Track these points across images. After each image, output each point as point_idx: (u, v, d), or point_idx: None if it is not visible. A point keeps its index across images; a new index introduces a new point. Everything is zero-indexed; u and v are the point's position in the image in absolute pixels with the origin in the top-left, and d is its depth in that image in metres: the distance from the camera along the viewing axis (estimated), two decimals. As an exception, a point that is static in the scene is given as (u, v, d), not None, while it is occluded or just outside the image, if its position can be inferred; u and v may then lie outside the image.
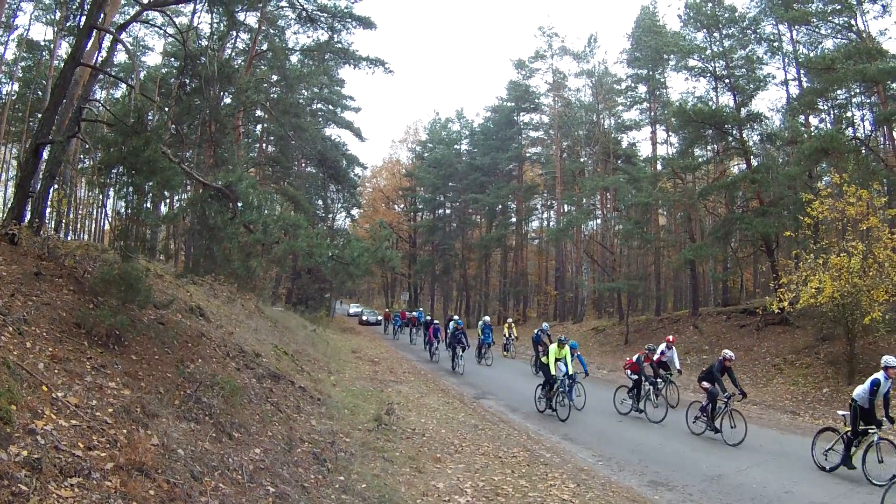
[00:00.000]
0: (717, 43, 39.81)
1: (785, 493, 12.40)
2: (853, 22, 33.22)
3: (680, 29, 42.97)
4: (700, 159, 43.39)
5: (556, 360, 20.13)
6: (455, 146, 69.34)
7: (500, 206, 64.70)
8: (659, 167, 46.31)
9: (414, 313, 53.39)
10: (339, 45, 44.59)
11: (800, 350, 28.29)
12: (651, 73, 46.54)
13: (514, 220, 66.77)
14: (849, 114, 35.91)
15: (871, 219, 24.26)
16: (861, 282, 23.19)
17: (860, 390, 13.54)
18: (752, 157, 39.38)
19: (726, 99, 40.22)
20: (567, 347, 20.20)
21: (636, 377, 20.82)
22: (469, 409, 20.57)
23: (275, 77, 43.27)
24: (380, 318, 65.14)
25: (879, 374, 13.26)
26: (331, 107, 59.43)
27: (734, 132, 38.89)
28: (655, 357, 21.29)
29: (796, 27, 36.87)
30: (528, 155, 64.58)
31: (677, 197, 41.84)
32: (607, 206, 52.86)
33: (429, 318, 43.55)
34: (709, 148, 43.73)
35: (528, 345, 37.62)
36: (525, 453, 14.85)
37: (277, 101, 43.45)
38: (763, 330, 32.22)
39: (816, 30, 35.95)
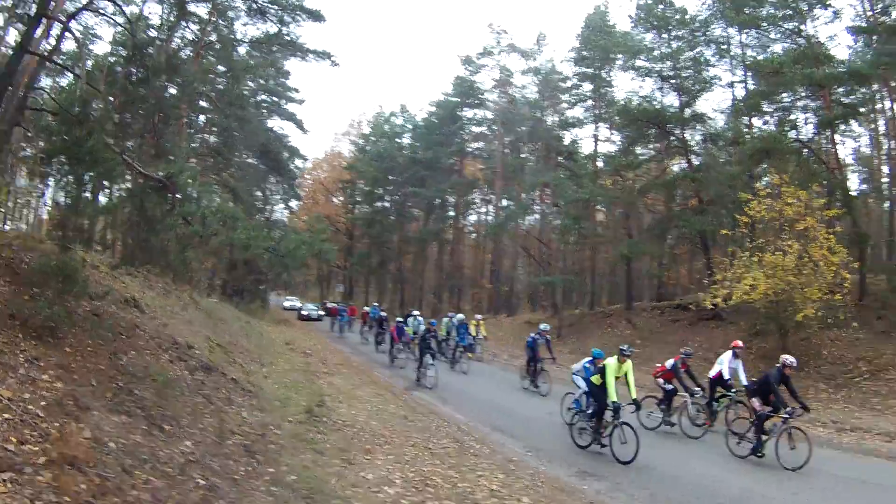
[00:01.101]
0: (666, 44, 39.96)
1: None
2: (803, 27, 33.17)
3: (630, 29, 42.90)
4: (641, 157, 43.29)
5: (615, 378, 15.03)
6: (397, 140, 68.68)
7: (439, 200, 64.04)
8: (600, 164, 46.00)
9: (366, 308, 46.82)
10: (288, 38, 43.99)
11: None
12: (598, 72, 46.04)
13: (452, 213, 66.31)
14: (793, 116, 35.55)
15: (808, 219, 24.60)
16: (795, 280, 23.61)
17: None
18: (693, 156, 39.65)
19: (671, 99, 40.53)
20: (629, 363, 15.27)
21: (670, 387, 18.13)
22: (400, 401, 20.16)
23: (221, 68, 42.57)
24: (322, 312, 60.31)
25: None
26: (275, 98, 58.34)
27: (677, 132, 39.32)
28: (716, 371, 17.62)
29: (746, 31, 36.72)
30: (469, 150, 64.06)
31: (617, 194, 41.74)
32: (546, 201, 52.39)
33: (384, 313, 38.30)
34: (651, 146, 43.36)
35: (503, 347, 36.33)
36: (455, 444, 14.73)
37: (223, 93, 42.76)
38: (696, 325, 32.58)
39: (766, 34, 35.77)
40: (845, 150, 40.57)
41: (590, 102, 47.86)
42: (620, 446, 14.19)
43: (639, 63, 41.43)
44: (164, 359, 13.60)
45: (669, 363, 18.46)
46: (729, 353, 17.62)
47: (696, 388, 17.58)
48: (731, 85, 38.99)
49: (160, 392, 10.84)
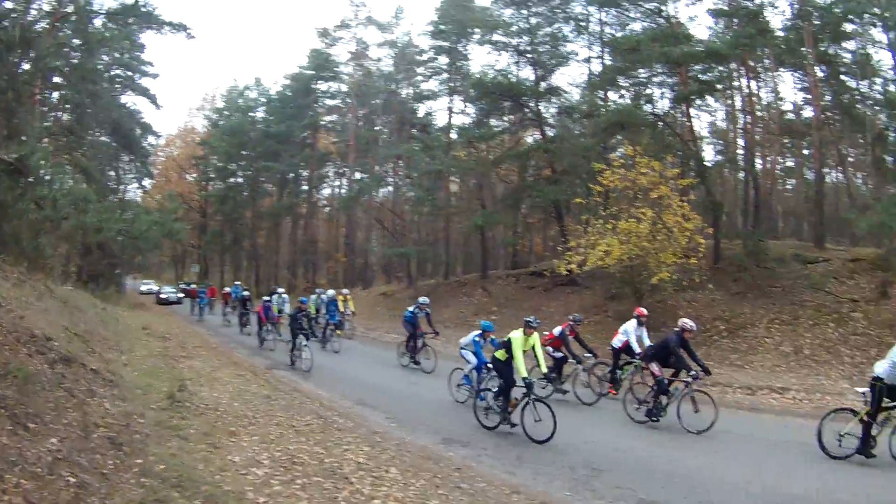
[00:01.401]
0: (525, 20, 39.15)
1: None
2: (664, 8, 33.39)
3: (490, 4, 41.99)
4: (495, 129, 42.61)
5: (523, 352, 13.75)
6: (251, 114, 65.89)
7: (293, 175, 62.07)
8: (454, 136, 44.98)
9: (227, 289, 43.22)
10: (145, 9, 41.29)
11: (588, 308, 28.70)
12: (455, 45, 45.08)
13: (305, 188, 64.21)
14: (648, 91, 36.02)
15: (662, 188, 24.87)
16: (650, 245, 23.94)
17: (887, 366, 11.29)
18: (547, 128, 39.47)
19: (527, 73, 39.97)
20: (536, 336, 13.89)
21: (559, 355, 16.99)
22: (261, 380, 19.24)
23: (76, 41, 39.82)
24: (181, 295, 56.59)
25: None
26: (129, 73, 54.89)
27: (532, 104, 38.89)
28: (623, 342, 16.93)
29: (605, 9, 36.63)
30: (323, 123, 61.81)
31: (470, 165, 40.94)
32: (400, 173, 51.67)
33: (246, 293, 34.88)
34: (505, 119, 42.85)
35: (361, 321, 33.72)
36: (319, 420, 14.24)
37: (76, 67, 39.86)
38: (552, 291, 32.73)
39: (626, 13, 35.81)
40: (701, 124, 42.80)
41: (445, 75, 46.90)
42: (534, 425, 12.92)
43: (496, 37, 40.42)
44: (23, 353, 11.74)
45: (557, 331, 17.34)
46: (633, 322, 17.03)
47: (588, 354, 17.03)
48: (587, 60, 38.82)
49: (21, 389, 9.46)
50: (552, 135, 38.85)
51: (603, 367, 17.64)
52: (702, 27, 52.27)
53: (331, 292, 29.11)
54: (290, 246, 64.89)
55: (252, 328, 30.27)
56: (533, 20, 38.99)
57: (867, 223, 23.52)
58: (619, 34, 35.78)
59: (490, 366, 14.68)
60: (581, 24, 38.16)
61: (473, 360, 15.82)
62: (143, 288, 64.08)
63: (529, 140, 43.36)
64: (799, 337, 22.18)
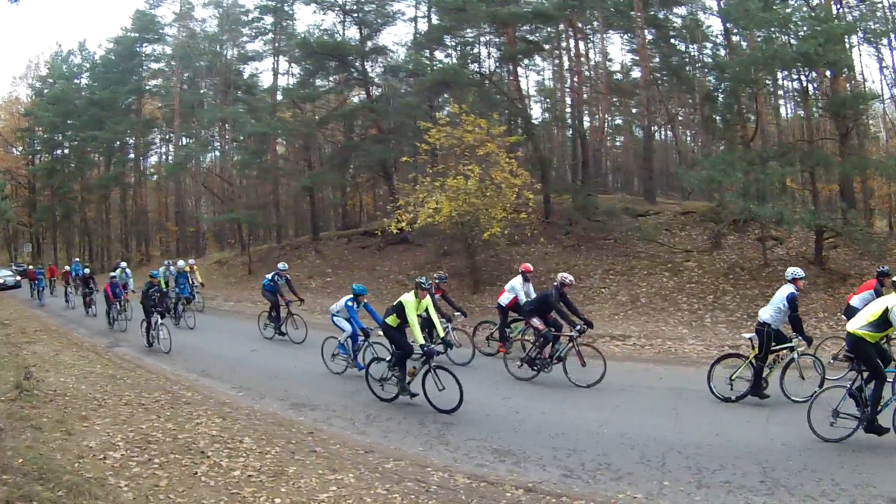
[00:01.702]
0: (351, -22, 37.74)
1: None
2: None
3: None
4: (321, 89, 41.72)
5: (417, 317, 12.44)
6: (76, 80, 60.62)
7: (119, 143, 57.43)
8: (279, 97, 43.74)
9: (67, 267, 37.72)
10: (-40, -29, 37.13)
11: (422, 266, 28.62)
12: (280, 4, 43.05)
13: (132, 156, 59.92)
14: (475, 51, 36.13)
15: (489, 145, 24.24)
16: (479, 202, 23.40)
17: (772, 311, 11.37)
18: (373, 87, 38.71)
19: (353, 32, 38.69)
20: (428, 298, 12.68)
21: (425, 315, 14.91)
22: (105, 360, 17.95)
23: None
24: (19, 278, 50.02)
25: (790, 288, 11.34)
26: (-49, 43, 50.48)
27: (357, 64, 37.82)
28: (510, 299, 15.84)
29: (433, -33, 35.83)
30: (148, 88, 57.59)
31: (296, 126, 39.76)
32: (226, 137, 49.58)
33: (87, 270, 31.02)
34: (331, 79, 41.55)
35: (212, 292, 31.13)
36: (167, 396, 13.59)
37: None
38: (384, 250, 32.27)
39: (453, -29, 35.39)
40: (528, 83, 42.10)
41: (270, 36, 44.95)
42: (438, 394, 11.59)
43: (322, -4, 39.07)
44: None
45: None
46: (519, 278, 15.93)
47: (457, 313, 16.22)
48: (413, 20, 37.85)
49: None
50: (378, 94, 38.23)
51: (489, 325, 16.79)
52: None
53: (181, 263, 26.21)
54: (120, 218, 61.07)
55: (98, 308, 27.12)
56: (359, -21, 37.53)
57: (697, 178, 23.57)
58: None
59: (367, 332, 14.20)
60: (405, -17, 36.93)
61: (348, 327, 14.61)
62: None
63: (355, 100, 42.46)
64: (634, 287, 22.18)
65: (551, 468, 8.99)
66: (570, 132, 35.34)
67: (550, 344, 13.35)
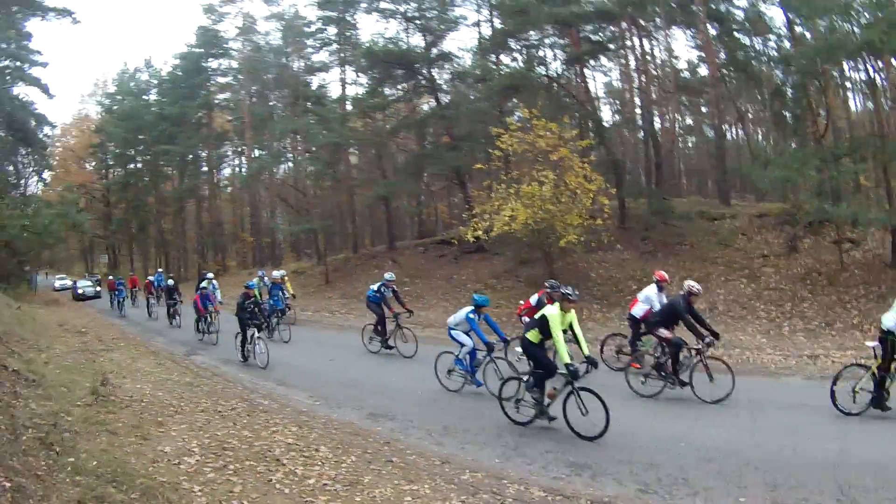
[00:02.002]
0: (410, -14, 38.23)
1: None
2: None
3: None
4: (390, 98, 41.83)
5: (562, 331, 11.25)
6: (144, 97, 62.76)
7: (191, 156, 59.57)
8: (349, 107, 44.24)
9: (149, 278, 37.45)
10: (26, -4, 39.11)
11: (500, 274, 28.93)
12: (342, 15, 43.61)
13: (205, 169, 61.91)
14: (541, 53, 35.63)
15: (561, 150, 24.06)
16: (554, 208, 23.23)
17: (895, 318, 10.84)
18: (441, 94, 38.75)
19: (417, 39, 39.02)
20: (573, 311, 11.34)
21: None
22: (182, 368, 18.55)
23: None
24: (99, 288, 49.72)
25: None
26: (18, 63, 52.27)
27: (424, 71, 38.06)
28: (645, 310, 15.06)
29: (489, -30, 35.71)
30: (216, 101, 59.55)
31: (367, 135, 40.48)
32: (298, 148, 50.37)
33: (171, 281, 30.34)
34: (399, 87, 41.76)
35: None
36: (244, 404, 13.90)
37: None
38: (462, 259, 32.35)
39: (510, -27, 35.32)
40: (596, 85, 42.61)
41: (335, 46, 45.58)
42: (581, 419, 10.66)
43: (383, 5, 39.52)
44: None
45: (534, 299, 15.72)
46: (653, 287, 15.44)
47: None
48: (477, 24, 38.02)
49: None
50: (447, 101, 38.18)
51: (620, 338, 16.38)
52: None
53: (276, 273, 26.03)
54: (196, 229, 62.81)
55: (182, 319, 27.36)
56: (417, -15, 37.98)
57: (769, 177, 23.47)
58: (506, -3, 34.97)
59: (491, 346, 13.49)
60: (467, -13, 37.13)
61: (468, 341, 13.94)
62: (58, 284, 59.77)
63: (425, 108, 42.83)
64: (712, 293, 21.83)
65: (628, 483, 8.97)
66: (642, 134, 34.58)
67: (679, 352, 12.81)
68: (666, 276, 15.75)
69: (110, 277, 45.46)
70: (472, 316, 13.70)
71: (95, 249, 72.84)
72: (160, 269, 42.82)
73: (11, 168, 51.73)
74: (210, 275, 28.09)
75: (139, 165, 62.60)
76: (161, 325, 28.66)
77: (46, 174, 59.54)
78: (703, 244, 25.10)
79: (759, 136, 37.29)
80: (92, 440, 9.92)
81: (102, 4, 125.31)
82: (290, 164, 53.87)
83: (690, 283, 13.14)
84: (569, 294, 11.07)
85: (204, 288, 23.99)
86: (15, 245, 33.40)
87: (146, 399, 13.65)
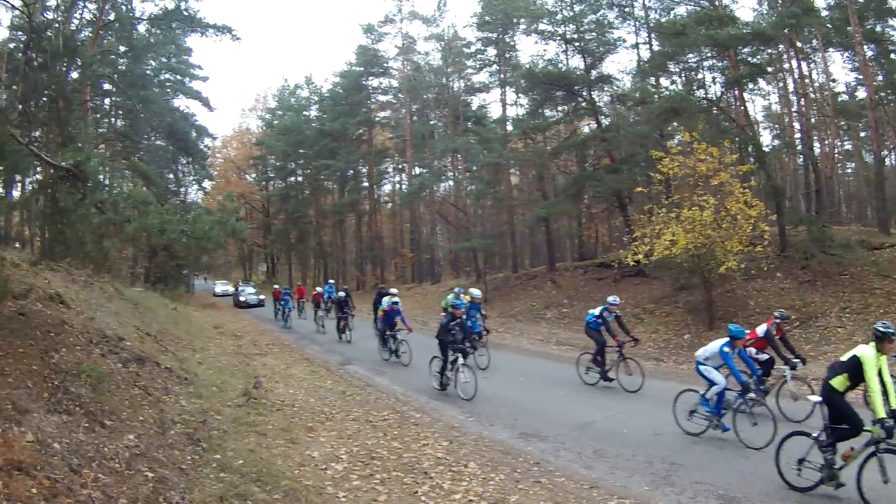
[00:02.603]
0: (569, 8, 39.48)
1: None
2: None
3: (533, -7, 41.93)
4: (550, 119, 42.86)
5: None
6: (304, 112, 66.93)
7: (352, 172, 62.96)
8: (509, 128, 45.26)
9: (318, 289, 37.04)
10: (186, 13, 41.95)
11: (658, 300, 28.77)
12: (501, 36, 45.44)
13: (365, 184, 64.99)
14: (700, 76, 36.09)
15: (722, 174, 24.17)
16: (714, 233, 23.19)
17: None
18: (601, 116, 39.50)
19: (576, 61, 40.18)
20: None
21: (765, 357, 14.11)
22: (335, 377, 19.65)
23: (122, 48, 40.61)
24: (262, 297, 51.57)
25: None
26: (178, 77, 55.88)
27: (584, 93, 39.04)
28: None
29: (649, -6, 36.29)
30: (377, 119, 62.45)
31: (528, 156, 41.32)
32: (458, 167, 52.02)
33: (343, 293, 28.95)
34: (559, 108, 42.95)
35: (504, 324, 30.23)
36: (395, 415, 14.53)
37: (124, 73, 40.78)
38: (620, 282, 32.20)
39: (669, -3, 35.52)
40: (755, 108, 42.63)
41: (494, 67, 47.48)
42: (884, 489, 8.50)
43: (542, 27, 40.97)
44: (96, 353, 12.78)
45: (761, 329, 14.19)
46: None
47: (796, 360, 13.60)
48: (635, 46, 38.78)
49: (96, 387, 10.14)
50: (607, 123, 38.72)
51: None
52: (746, 9, 51.42)
53: (475, 292, 22.46)
54: (355, 242, 65.94)
55: (351, 334, 27.54)
56: (577, 7, 39.22)
57: None
58: (663, 19, 35.48)
59: (747, 386, 11.96)
60: (625, 9, 38.20)
61: (720, 378, 12.39)
62: (219, 289, 62.68)
63: (585, 129, 43.64)
64: (871, 326, 20.56)
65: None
66: (801, 159, 34.88)
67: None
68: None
69: (276, 286, 46.16)
70: (726, 350, 12.16)
71: (254, 258, 76.82)
72: (331, 280, 42.93)
73: (172, 176, 55.44)
74: (394, 290, 26.86)
75: (299, 178, 66.76)
76: (313, 332, 31.22)
77: (206, 183, 63.52)
78: (862, 274, 23.93)
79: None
80: (240, 440, 10.87)
81: (263, 23, 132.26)
82: (451, 183, 55.43)
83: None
84: (890, 333, 8.84)
85: (396, 303, 22.01)
86: (174, 249, 36.30)
87: (297, 404, 14.83)
